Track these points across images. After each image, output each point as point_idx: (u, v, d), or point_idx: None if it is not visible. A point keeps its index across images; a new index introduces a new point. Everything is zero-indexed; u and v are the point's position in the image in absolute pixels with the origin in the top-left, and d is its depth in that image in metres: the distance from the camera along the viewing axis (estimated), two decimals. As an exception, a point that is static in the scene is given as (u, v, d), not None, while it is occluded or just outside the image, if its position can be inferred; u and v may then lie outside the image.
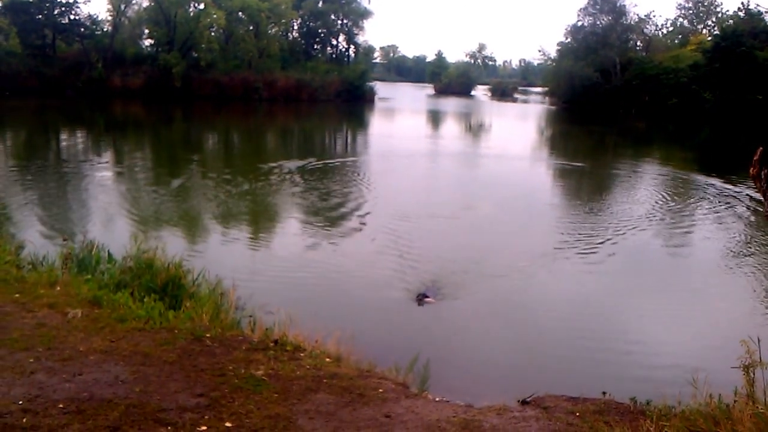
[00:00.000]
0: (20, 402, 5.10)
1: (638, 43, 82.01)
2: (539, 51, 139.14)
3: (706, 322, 10.90)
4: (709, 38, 71.20)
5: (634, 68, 70.44)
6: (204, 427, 4.99)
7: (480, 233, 16.17)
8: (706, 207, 20.65)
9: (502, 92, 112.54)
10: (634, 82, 68.89)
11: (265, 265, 12.92)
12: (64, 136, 34.89)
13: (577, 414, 5.73)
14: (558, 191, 24.92)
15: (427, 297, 10.91)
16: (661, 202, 21.28)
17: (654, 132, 54.48)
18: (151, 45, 64.87)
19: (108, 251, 10.43)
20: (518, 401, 6.16)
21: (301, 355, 6.97)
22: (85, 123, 41.54)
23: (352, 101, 68.66)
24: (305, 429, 5.14)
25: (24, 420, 4.82)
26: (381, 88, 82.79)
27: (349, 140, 41.42)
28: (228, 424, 5.08)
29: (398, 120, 59.11)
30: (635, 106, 67.58)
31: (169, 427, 4.93)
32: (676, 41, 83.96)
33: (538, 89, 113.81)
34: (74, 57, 58.09)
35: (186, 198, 19.22)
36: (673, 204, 21.05)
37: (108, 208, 17.30)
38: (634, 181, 26.76)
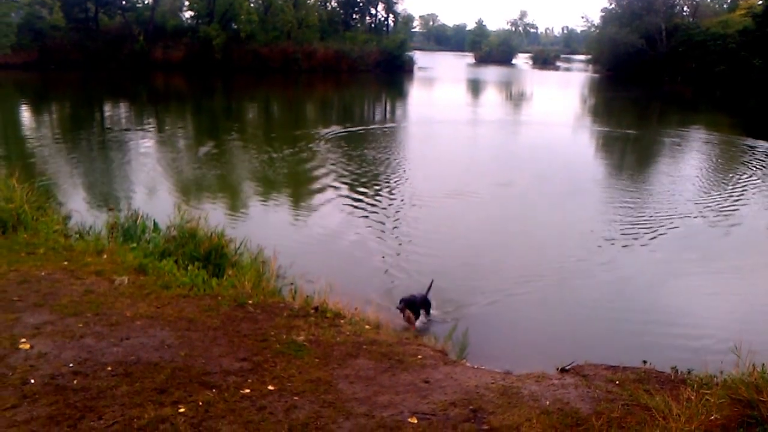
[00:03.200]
0: (71, 365, 5.28)
1: (685, 9, 79.68)
2: (582, 18, 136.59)
3: (751, 293, 10.71)
4: (760, 2, 68.66)
5: (681, 34, 68.50)
6: (247, 390, 5.11)
7: (519, 211, 15.97)
8: (757, 175, 20.15)
9: (544, 60, 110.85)
10: (680, 49, 67.05)
11: (304, 234, 13.02)
12: (107, 107, 35.40)
13: (617, 382, 5.72)
14: (602, 162, 24.35)
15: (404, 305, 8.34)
16: (708, 172, 20.89)
17: (700, 99, 53.12)
18: (191, 17, 65.14)
19: (154, 221, 10.65)
20: (557, 369, 6.16)
21: (341, 321, 7.06)
22: (128, 95, 42.06)
23: (391, 71, 68.29)
24: (346, 393, 5.23)
25: (75, 382, 4.99)
26: (420, 58, 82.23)
27: (388, 110, 41.27)
28: (270, 387, 5.20)
29: (438, 89, 58.66)
30: (681, 73, 65.93)
31: (213, 390, 5.06)
32: (724, 6, 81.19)
33: (581, 57, 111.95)
34: (116, 30, 58.67)
35: (227, 166, 19.42)
36: (721, 174, 20.62)
37: (151, 176, 17.60)
38: (680, 149, 26.27)
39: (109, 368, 5.27)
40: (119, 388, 4.96)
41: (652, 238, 13.22)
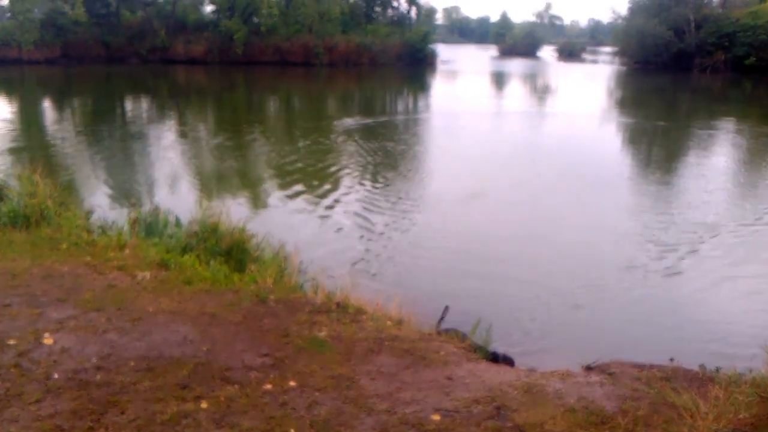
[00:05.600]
0: (93, 359, 5.29)
1: (714, -1, 78.44)
2: (609, 9, 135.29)
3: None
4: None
5: (710, 26, 67.39)
6: (269, 386, 5.10)
7: (546, 207, 15.74)
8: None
9: (570, 53, 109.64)
10: (710, 41, 66.00)
11: (325, 229, 12.99)
12: (129, 102, 35.67)
13: (643, 380, 5.64)
14: (632, 156, 23.75)
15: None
16: (744, 167, 20.55)
17: (730, 91, 52.27)
18: (212, 11, 65.28)
19: (176, 216, 10.69)
20: (582, 367, 6.08)
21: (363, 317, 7.03)
22: (150, 89, 42.39)
23: (413, 64, 68.02)
24: (368, 389, 5.20)
25: (98, 377, 5.01)
26: (443, 51, 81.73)
27: (410, 102, 41.13)
28: (292, 383, 5.18)
29: (461, 82, 58.36)
30: (710, 65, 65.02)
31: (235, 385, 5.05)
32: (755, -4, 79.92)
33: (608, 49, 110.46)
34: (138, 25, 59.14)
35: (247, 160, 19.55)
36: (758, 168, 20.28)
37: (172, 170, 17.74)
38: (712, 142, 25.79)
39: (132, 363, 5.29)
40: (142, 383, 4.97)
41: (684, 239, 12.89)
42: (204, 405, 4.72)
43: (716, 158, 21.91)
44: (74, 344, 5.55)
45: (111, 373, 5.09)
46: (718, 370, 5.83)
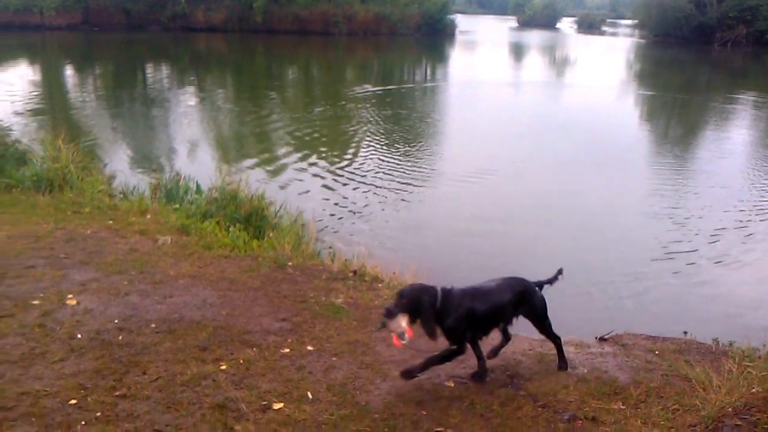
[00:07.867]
0: (116, 321, 5.41)
1: (737, -29, 76.88)
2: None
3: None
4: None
5: (731, -1, 66.31)
6: (287, 350, 5.20)
7: (566, 181, 15.74)
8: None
9: (590, 25, 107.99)
10: (731, 14, 64.77)
11: (343, 198, 12.97)
12: (149, 69, 35.63)
13: (656, 352, 5.67)
14: (651, 132, 23.16)
15: None
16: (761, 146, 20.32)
17: (751, 66, 51.43)
18: (232, -21, 64.72)
19: (196, 182, 10.78)
20: (596, 338, 6.13)
21: (379, 285, 7.11)
22: (170, 57, 42.33)
23: (432, 35, 67.28)
24: (383, 355, 5.28)
25: (120, 337, 5.13)
26: (462, 21, 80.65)
27: (428, 73, 40.82)
28: (309, 348, 5.27)
29: (479, 53, 57.72)
30: (731, 39, 63.93)
31: (254, 348, 5.15)
32: (779, -32, 78.19)
33: (628, 22, 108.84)
34: (158, -8, 58.78)
35: (266, 126, 19.53)
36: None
37: (192, 136, 17.79)
38: (735, 116, 25.42)
39: (153, 325, 5.40)
40: (163, 344, 5.08)
41: (701, 212, 12.83)
42: (223, 367, 4.82)
43: (743, 132, 21.67)
44: (97, 306, 5.67)
45: (133, 334, 5.21)
46: (731, 344, 5.85)
